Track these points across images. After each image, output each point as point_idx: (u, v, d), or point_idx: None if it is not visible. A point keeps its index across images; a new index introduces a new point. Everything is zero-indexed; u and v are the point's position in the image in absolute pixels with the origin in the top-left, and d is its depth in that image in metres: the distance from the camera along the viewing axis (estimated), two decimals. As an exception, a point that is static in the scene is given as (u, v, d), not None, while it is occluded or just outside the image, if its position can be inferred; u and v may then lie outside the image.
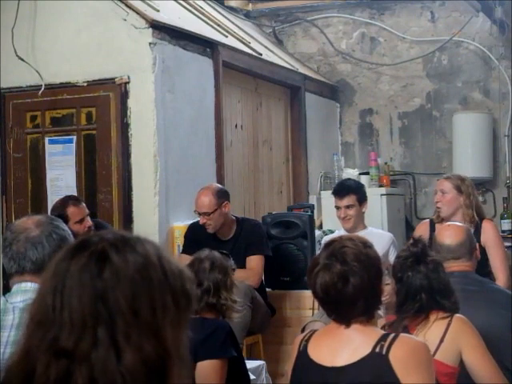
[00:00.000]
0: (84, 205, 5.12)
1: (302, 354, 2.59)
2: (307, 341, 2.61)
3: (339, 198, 5.39)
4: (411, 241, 3.31)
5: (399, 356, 2.44)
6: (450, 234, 3.69)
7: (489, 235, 4.82)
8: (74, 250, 1.33)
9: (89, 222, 5.06)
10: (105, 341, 1.24)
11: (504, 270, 4.76)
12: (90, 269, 1.28)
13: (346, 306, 2.51)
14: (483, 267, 4.22)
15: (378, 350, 2.46)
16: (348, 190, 5.41)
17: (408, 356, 2.46)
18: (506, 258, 4.94)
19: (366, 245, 2.61)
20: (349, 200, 5.35)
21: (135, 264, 1.29)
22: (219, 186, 5.48)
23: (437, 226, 4.86)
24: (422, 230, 4.93)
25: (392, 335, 2.51)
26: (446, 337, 3.08)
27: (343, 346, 2.52)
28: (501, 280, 4.59)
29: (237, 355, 3.30)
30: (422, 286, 3.16)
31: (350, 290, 2.49)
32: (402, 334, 2.56)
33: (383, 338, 2.48)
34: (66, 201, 5.09)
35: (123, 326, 1.25)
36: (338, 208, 5.41)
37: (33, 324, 1.31)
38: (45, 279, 1.34)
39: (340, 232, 5.54)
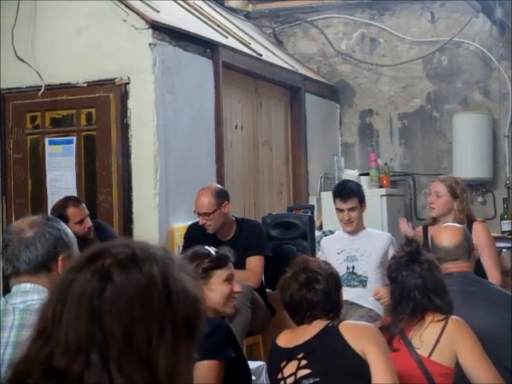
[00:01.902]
0: (84, 205, 5.13)
1: (273, 345, 3.16)
2: (277, 337, 3.17)
3: (342, 200, 5.36)
4: (405, 241, 3.34)
5: (347, 326, 2.97)
6: (447, 236, 3.69)
7: (480, 237, 4.84)
8: (83, 262, 1.31)
9: (89, 222, 5.07)
10: (97, 366, 1.22)
11: (497, 270, 4.80)
12: (92, 286, 1.26)
13: (309, 308, 3.01)
14: (478, 268, 4.23)
15: (330, 325, 2.98)
16: (351, 192, 5.39)
17: (355, 327, 3.01)
18: (498, 258, 5.00)
19: (326, 262, 3.23)
20: (352, 203, 5.34)
21: (137, 286, 1.26)
22: (219, 186, 5.48)
23: (430, 228, 4.94)
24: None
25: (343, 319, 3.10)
26: (442, 338, 3.09)
27: (304, 332, 3.03)
28: (494, 279, 4.61)
29: (235, 356, 3.29)
30: (417, 285, 3.17)
31: (311, 295, 3.00)
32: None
33: (335, 321, 3.01)
34: (66, 201, 5.10)
35: (116, 353, 1.23)
36: (340, 211, 5.39)
37: (36, 331, 1.30)
38: (53, 287, 1.34)
39: (339, 233, 5.55)
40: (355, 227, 5.36)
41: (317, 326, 3.00)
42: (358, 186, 5.68)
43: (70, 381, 1.22)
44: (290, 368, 2.99)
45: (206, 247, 3.40)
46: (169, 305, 1.27)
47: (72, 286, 1.28)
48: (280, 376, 3.00)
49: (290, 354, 3.01)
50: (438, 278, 3.21)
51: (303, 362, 2.96)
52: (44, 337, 1.27)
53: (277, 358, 3.08)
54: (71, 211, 5.02)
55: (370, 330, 2.99)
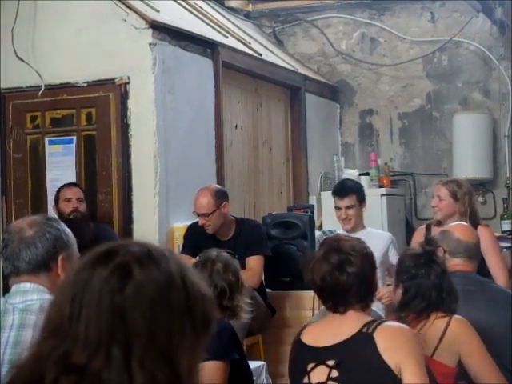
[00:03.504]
0: (78, 189, 5.30)
1: (297, 341, 2.85)
2: (302, 331, 2.87)
3: (340, 198, 5.40)
4: (425, 240, 3.35)
5: (384, 335, 2.64)
6: (468, 233, 3.71)
7: (485, 241, 4.83)
8: (97, 260, 1.29)
9: (76, 204, 5.16)
10: (118, 361, 1.22)
11: (503, 271, 4.80)
12: (112, 283, 1.25)
13: (342, 292, 2.74)
14: (481, 269, 4.23)
15: (364, 330, 2.67)
16: (349, 190, 5.42)
17: (392, 336, 2.66)
18: (505, 261, 5.02)
19: (360, 240, 2.91)
20: (349, 200, 5.36)
21: (158, 283, 1.27)
22: (218, 186, 5.48)
23: (433, 228, 4.95)
24: (418, 235, 5.00)
25: (380, 320, 2.78)
26: (445, 337, 3.09)
27: (335, 329, 2.74)
28: (501, 282, 4.61)
29: (239, 358, 3.30)
30: (435, 285, 3.17)
31: (345, 277, 2.73)
32: (389, 320, 2.85)
33: (372, 322, 2.70)
34: (62, 186, 5.33)
35: (138, 349, 1.22)
36: (338, 208, 5.41)
37: (46, 331, 1.28)
38: (64, 286, 1.31)
39: (339, 232, 5.55)
40: (353, 225, 5.37)
41: (350, 323, 2.72)
42: (358, 184, 5.69)
43: (89, 376, 1.21)
44: (318, 374, 2.72)
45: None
46: (187, 302, 1.28)
47: (89, 283, 1.26)
48: (306, 381, 2.75)
49: (318, 355, 2.74)
50: (451, 281, 3.22)
51: (334, 373, 2.68)
52: (59, 336, 1.25)
53: (302, 358, 2.80)
54: (62, 192, 5.25)
55: (407, 338, 2.68)
